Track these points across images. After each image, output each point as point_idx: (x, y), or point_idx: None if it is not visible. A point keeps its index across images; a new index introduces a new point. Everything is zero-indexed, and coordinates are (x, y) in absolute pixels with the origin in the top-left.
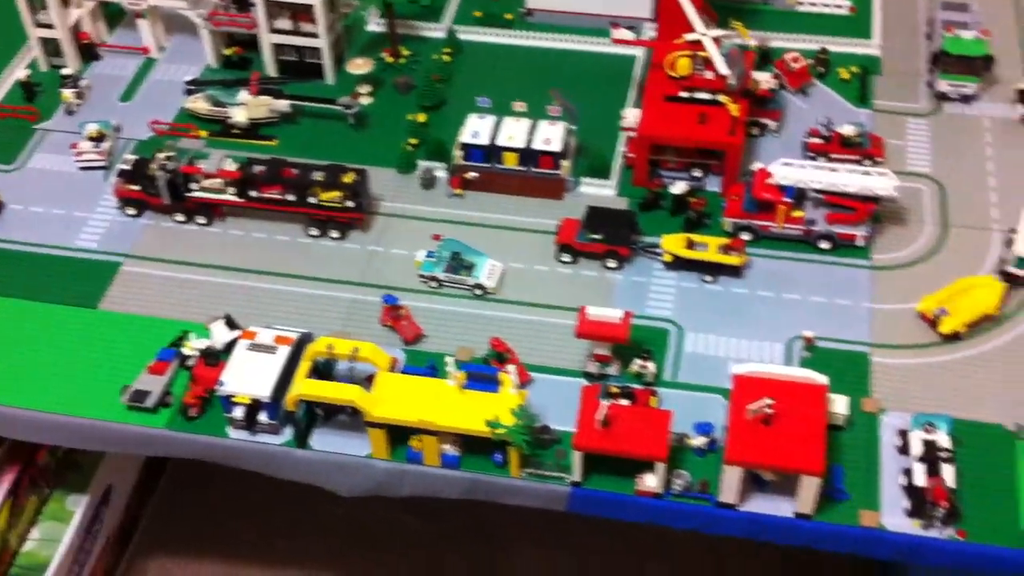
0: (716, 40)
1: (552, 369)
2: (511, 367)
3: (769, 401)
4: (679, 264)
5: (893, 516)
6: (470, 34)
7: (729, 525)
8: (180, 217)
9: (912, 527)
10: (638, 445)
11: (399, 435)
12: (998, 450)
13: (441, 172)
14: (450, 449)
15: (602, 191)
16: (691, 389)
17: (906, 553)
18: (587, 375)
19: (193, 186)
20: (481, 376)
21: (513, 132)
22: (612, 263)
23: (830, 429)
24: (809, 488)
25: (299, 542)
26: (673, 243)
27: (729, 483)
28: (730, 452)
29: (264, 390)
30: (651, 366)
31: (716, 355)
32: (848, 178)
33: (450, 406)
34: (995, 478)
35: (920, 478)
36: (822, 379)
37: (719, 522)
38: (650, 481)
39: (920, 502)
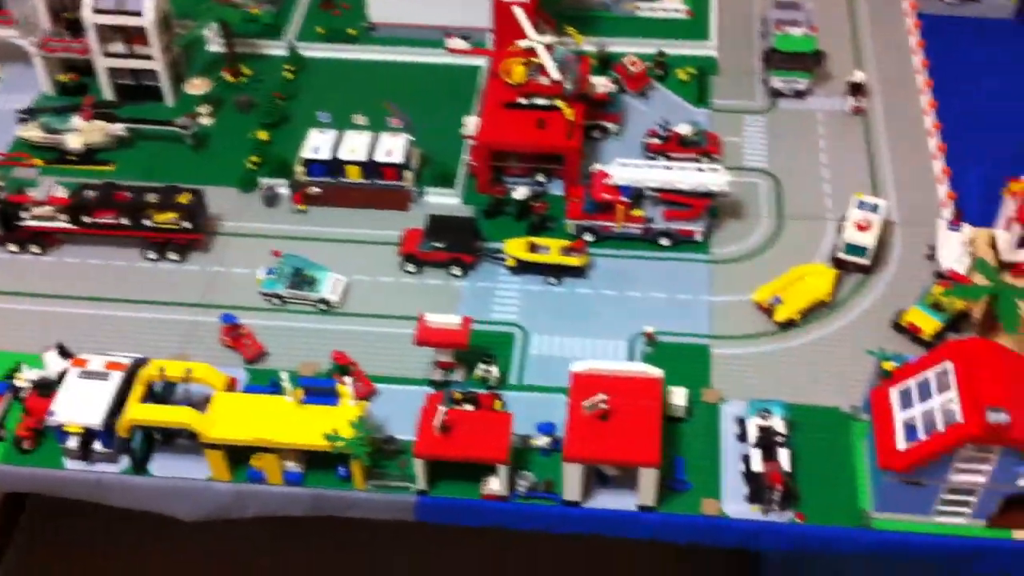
0: (548, 46)
1: (398, 379)
2: (348, 379)
3: (603, 397)
4: (523, 268)
5: (734, 503)
6: (313, 50)
7: (575, 523)
8: (13, 248)
9: (752, 513)
10: (478, 449)
11: (240, 456)
12: (835, 432)
13: (284, 189)
14: (293, 466)
15: (447, 200)
16: (536, 391)
17: (748, 539)
18: (432, 383)
19: (23, 215)
20: (318, 390)
21: (355, 145)
22: (456, 270)
23: (671, 421)
24: (648, 480)
25: (171, 570)
26: (516, 248)
27: (571, 480)
28: (568, 449)
29: (95, 418)
30: (495, 370)
31: (561, 356)
32: (682, 176)
33: (289, 422)
34: (833, 460)
35: (757, 464)
36: (657, 372)
37: (565, 521)
38: (494, 484)
39: (758, 487)
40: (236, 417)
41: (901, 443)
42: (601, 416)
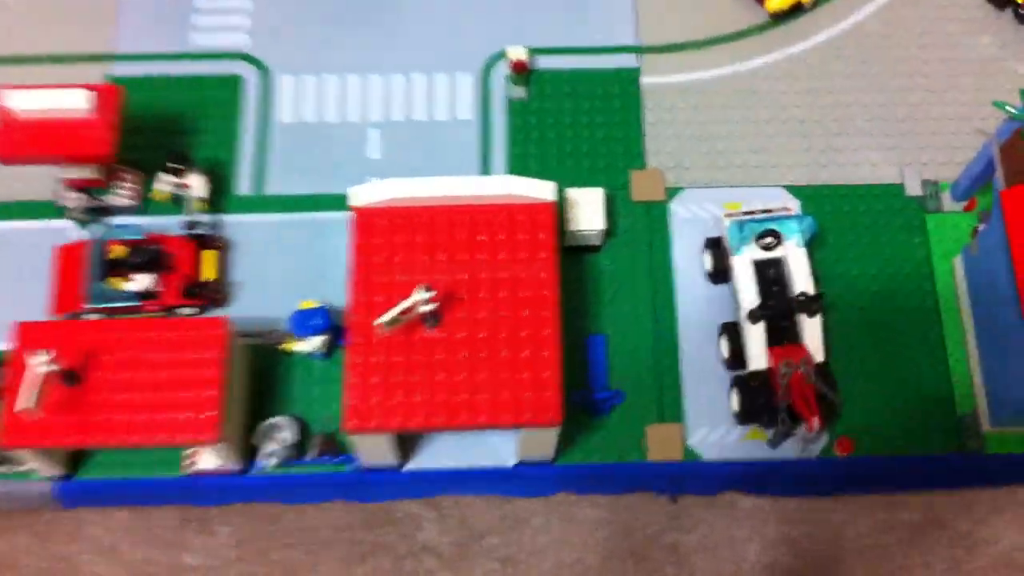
0: None
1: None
2: None
3: (423, 295)
4: None
5: (710, 427)
6: None
7: (381, 489)
8: None
9: (746, 443)
10: (143, 428)
11: None
12: (901, 236)
13: None
14: None
15: None
16: (290, 208)
17: (744, 486)
18: (66, 214)
19: None
20: None
21: None
22: None
23: (575, 252)
24: (541, 440)
25: None
26: None
27: (370, 449)
28: (348, 416)
29: None
30: (197, 182)
31: (342, 121)
32: None
33: None
34: (904, 305)
35: (758, 352)
36: (545, 192)
37: (366, 488)
38: (207, 459)
39: (761, 401)
40: None
41: None
42: (427, 319)
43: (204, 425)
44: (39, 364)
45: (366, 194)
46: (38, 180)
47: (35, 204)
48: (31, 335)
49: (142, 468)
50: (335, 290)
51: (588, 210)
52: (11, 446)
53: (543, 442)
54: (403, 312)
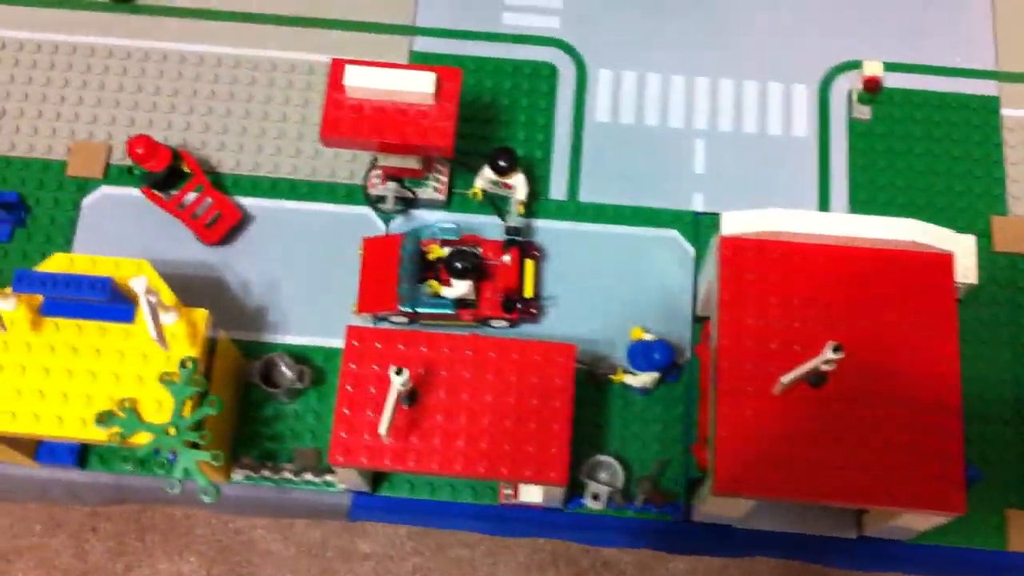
0: None
1: (308, 186)
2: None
3: (832, 357)
4: None
5: None
6: None
7: (693, 544)
8: None
9: None
10: (483, 460)
11: None
12: None
13: None
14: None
15: None
16: (606, 218)
17: None
18: (369, 201)
19: None
20: (69, 298)
21: None
22: None
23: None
24: (916, 521)
25: None
26: None
27: (723, 508)
28: (720, 480)
29: None
30: (519, 183)
31: (662, 125)
32: None
33: (13, 372)
34: None
35: None
36: (954, 244)
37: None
38: (530, 492)
39: None
40: None
41: None
42: (814, 378)
43: (551, 462)
44: (399, 384)
45: (739, 222)
46: (336, 161)
47: (332, 185)
48: (361, 341)
49: (446, 489)
50: (653, 317)
51: (957, 261)
52: (340, 465)
53: (915, 524)
54: (793, 377)
